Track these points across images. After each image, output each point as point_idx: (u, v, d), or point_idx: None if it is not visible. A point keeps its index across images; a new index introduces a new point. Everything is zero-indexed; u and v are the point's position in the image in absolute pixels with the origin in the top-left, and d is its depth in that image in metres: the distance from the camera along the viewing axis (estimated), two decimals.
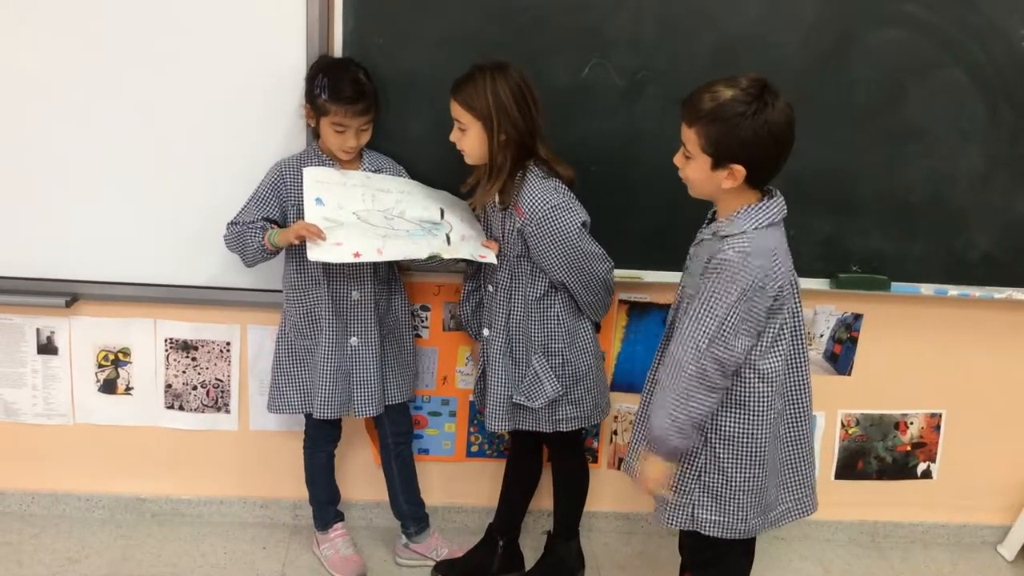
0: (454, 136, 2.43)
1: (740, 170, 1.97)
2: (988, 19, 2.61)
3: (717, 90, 1.97)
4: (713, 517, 2.14)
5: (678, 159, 2.09)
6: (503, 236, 2.50)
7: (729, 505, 2.12)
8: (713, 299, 1.96)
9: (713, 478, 2.11)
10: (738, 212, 2.03)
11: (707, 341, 1.96)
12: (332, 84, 2.43)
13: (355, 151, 2.53)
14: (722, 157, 1.98)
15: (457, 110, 2.39)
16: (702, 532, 2.16)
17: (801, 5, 2.57)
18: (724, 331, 1.96)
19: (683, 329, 2.00)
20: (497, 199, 2.45)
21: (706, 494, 2.12)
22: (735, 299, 1.95)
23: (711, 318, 1.96)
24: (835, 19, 2.59)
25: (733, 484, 2.10)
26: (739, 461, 2.09)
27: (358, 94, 2.45)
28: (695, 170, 2.04)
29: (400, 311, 2.74)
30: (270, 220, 2.54)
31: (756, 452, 2.09)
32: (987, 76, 2.65)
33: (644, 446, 2.03)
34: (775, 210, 2.04)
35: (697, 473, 2.11)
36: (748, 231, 2.00)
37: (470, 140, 2.40)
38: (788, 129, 1.97)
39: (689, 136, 2.02)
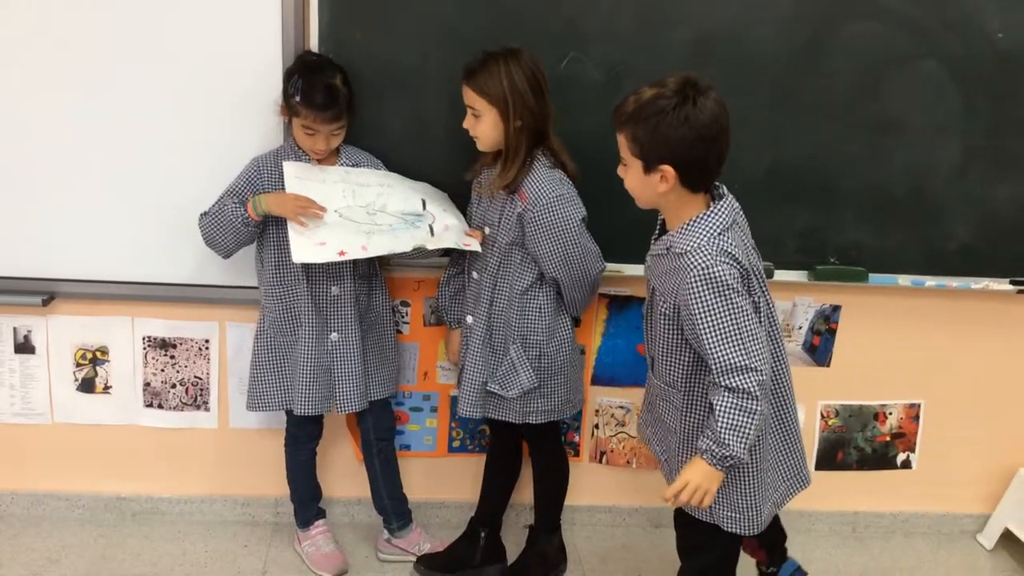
0: (467, 123, 2.43)
1: (670, 171, 1.95)
2: (964, 11, 2.62)
3: (641, 92, 1.98)
4: (730, 514, 2.15)
5: (619, 171, 2.08)
6: (500, 221, 2.49)
7: (741, 502, 2.14)
8: (719, 320, 1.94)
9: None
10: (688, 224, 2.01)
11: (745, 357, 1.94)
12: (305, 88, 2.42)
13: (324, 153, 2.52)
14: (650, 158, 1.97)
15: (471, 96, 2.38)
16: (723, 528, 2.17)
17: None
18: (748, 337, 1.95)
19: (716, 360, 1.96)
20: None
21: (718, 493, 2.10)
22: (732, 306, 1.94)
23: (731, 338, 1.94)
24: (812, 11, 2.60)
25: (738, 481, 2.12)
26: None
27: (330, 101, 2.43)
28: (632, 178, 2.04)
29: (381, 306, 2.74)
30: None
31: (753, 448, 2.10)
32: (964, 68, 2.67)
33: (707, 461, 2.00)
34: (724, 214, 2.01)
35: None
36: (703, 244, 1.97)
37: (484, 126, 2.39)
38: (714, 125, 1.93)
39: (621, 142, 2.03)
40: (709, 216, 2.01)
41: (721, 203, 2.03)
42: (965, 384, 3.10)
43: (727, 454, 1.97)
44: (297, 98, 2.42)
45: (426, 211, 2.53)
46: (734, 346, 1.95)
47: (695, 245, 1.98)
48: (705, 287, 1.94)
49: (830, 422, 3.11)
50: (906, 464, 3.19)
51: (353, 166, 2.58)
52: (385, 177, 2.59)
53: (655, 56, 2.58)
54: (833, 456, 3.15)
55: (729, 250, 1.97)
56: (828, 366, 3.04)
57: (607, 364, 2.98)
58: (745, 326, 1.95)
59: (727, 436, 1.96)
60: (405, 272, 2.83)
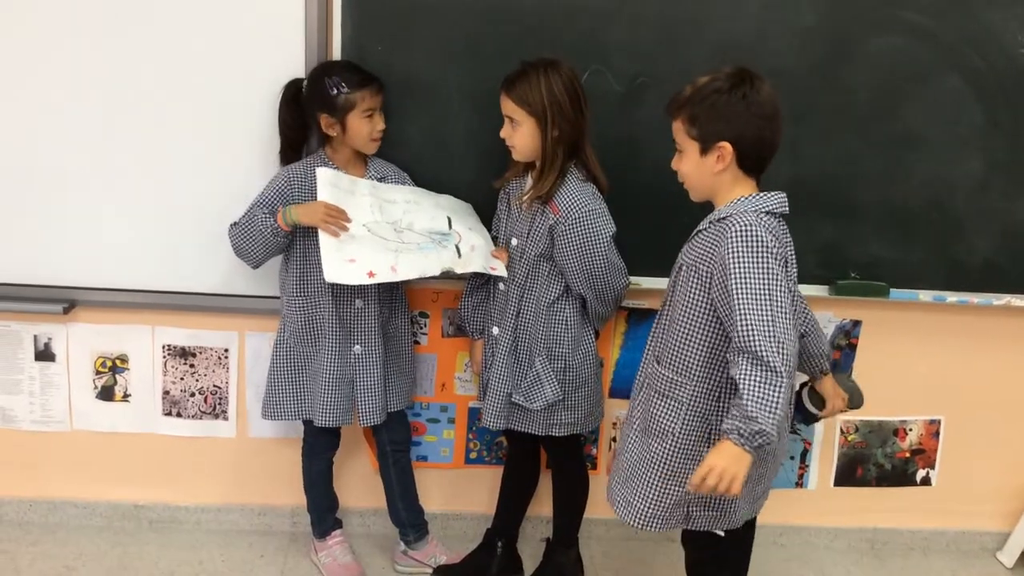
0: (504, 132, 2.44)
1: (727, 147, 1.97)
2: (986, 26, 2.61)
3: (696, 80, 2.02)
4: (706, 512, 2.12)
5: (674, 162, 2.10)
6: (529, 233, 2.50)
7: (724, 499, 2.04)
8: (751, 280, 1.89)
9: None
10: (735, 200, 2.02)
11: (771, 325, 1.86)
12: (345, 76, 2.44)
13: (381, 137, 2.54)
14: (707, 137, 1.99)
15: (510, 106, 2.39)
16: (690, 528, 2.15)
17: (799, 11, 2.58)
18: (778, 308, 1.88)
19: (741, 323, 1.87)
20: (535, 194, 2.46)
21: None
22: (767, 269, 1.90)
23: (761, 302, 1.87)
24: (833, 25, 2.59)
25: None
26: None
27: (368, 74, 2.48)
28: (687, 163, 2.05)
29: (401, 318, 2.75)
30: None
31: None
32: (985, 83, 2.66)
33: (735, 441, 1.85)
34: (775, 200, 2.02)
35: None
36: (747, 210, 1.98)
37: (522, 136, 2.40)
38: (770, 105, 1.97)
39: (677, 129, 2.05)
40: (759, 197, 2.02)
41: (774, 193, 2.03)
42: (986, 401, 3.07)
43: (756, 429, 1.81)
44: (345, 90, 2.43)
45: (452, 230, 2.54)
46: (762, 311, 1.86)
47: (739, 210, 1.99)
48: (743, 244, 1.91)
49: (849, 438, 3.09)
50: (926, 481, 3.17)
51: (380, 179, 2.59)
52: (410, 193, 2.59)
53: (675, 68, 2.56)
54: (852, 472, 3.13)
55: (772, 227, 1.97)
56: None
57: (625, 377, 2.97)
58: (777, 294, 1.88)
59: (755, 410, 1.81)
60: (424, 284, 2.83)
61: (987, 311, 2.92)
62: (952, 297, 2.84)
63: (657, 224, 2.66)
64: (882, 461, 3.13)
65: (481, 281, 2.69)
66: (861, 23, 2.60)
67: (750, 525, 2.24)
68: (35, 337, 2.88)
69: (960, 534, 3.23)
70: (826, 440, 3.08)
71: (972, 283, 2.83)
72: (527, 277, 2.53)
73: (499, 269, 2.52)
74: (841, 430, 3.08)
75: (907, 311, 2.92)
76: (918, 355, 3.01)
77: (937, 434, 3.12)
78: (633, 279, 2.70)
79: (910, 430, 3.11)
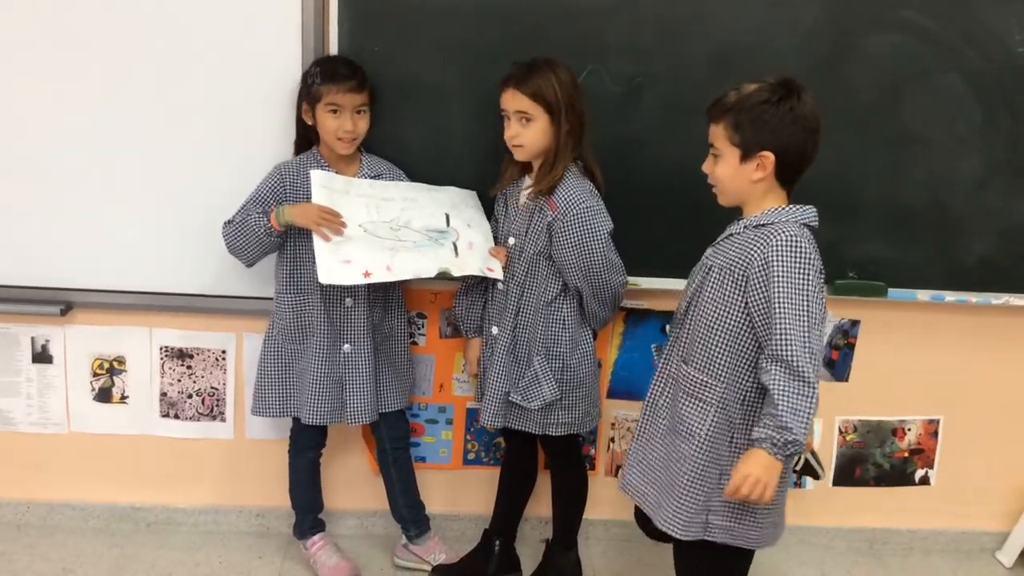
0: (512, 131, 2.40)
1: (769, 157, 1.98)
2: (986, 25, 2.61)
3: (742, 86, 2.02)
4: (726, 523, 2.08)
5: (706, 165, 2.10)
6: (527, 231, 2.49)
7: (749, 513, 2.06)
8: (794, 292, 1.91)
9: None
10: (771, 209, 2.02)
11: (807, 339, 1.89)
12: (324, 68, 2.45)
13: (351, 139, 2.50)
14: (750, 146, 1.99)
15: (522, 102, 2.36)
16: (708, 539, 2.10)
17: (798, 10, 2.57)
18: (813, 324, 1.90)
19: (779, 333, 1.90)
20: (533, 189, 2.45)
21: (726, 502, 2.04)
22: (809, 284, 1.91)
23: (800, 315, 1.90)
24: (833, 24, 2.59)
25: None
26: None
27: (351, 71, 2.45)
28: (724, 167, 2.05)
29: (396, 318, 2.74)
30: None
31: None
32: (985, 82, 2.66)
33: (767, 450, 1.89)
34: (811, 214, 2.03)
35: (720, 476, 2.05)
36: (789, 220, 1.99)
37: (534, 132, 2.38)
38: (814, 119, 1.99)
39: (717, 133, 2.04)
40: (798, 209, 2.03)
41: (809, 207, 2.04)
42: (985, 400, 3.07)
43: (789, 439, 1.85)
44: (318, 80, 2.43)
45: (450, 227, 2.53)
46: (800, 323, 1.89)
47: (781, 219, 2.00)
48: (790, 253, 1.93)
49: (848, 437, 3.09)
50: (924, 480, 3.16)
51: (375, 176, 2.58)
52: (408, 189, 2.59)
53: (674, 69, 2.57)
54: (851, 472, 3.12)
55: (812, 241, 1.98)
56: (847, 381, 3.01)
57: (623, 378, 2.97)
58: (814, 307, 1.91)
59: (789, 419, 1.85)
60: (421, 284, 2.82)
61: (986, 310, 2.92)
62: (951, 296, 2.84)
63: (655, 224, 2.66)
64: (881, 461, 3.13)
65: (476, 280, 2.68)
66: (860, 22, 2.59)
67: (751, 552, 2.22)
68: (32, 339, 2.87)
69: (959, 534, 3.22)
70: (824, 440, 3.08)
71: (971, 282, 2.83)
72: (526, 275, 2.53)
73: (496, 271, 2.52)
74: (840, 430, 3.07)
75: (905, 310, 2.91)
76: (917, 355, 3.00)
77: (936, 434, 3.12)
78: (631, 279, 2.70)
79: (909, 430, 3.10)
